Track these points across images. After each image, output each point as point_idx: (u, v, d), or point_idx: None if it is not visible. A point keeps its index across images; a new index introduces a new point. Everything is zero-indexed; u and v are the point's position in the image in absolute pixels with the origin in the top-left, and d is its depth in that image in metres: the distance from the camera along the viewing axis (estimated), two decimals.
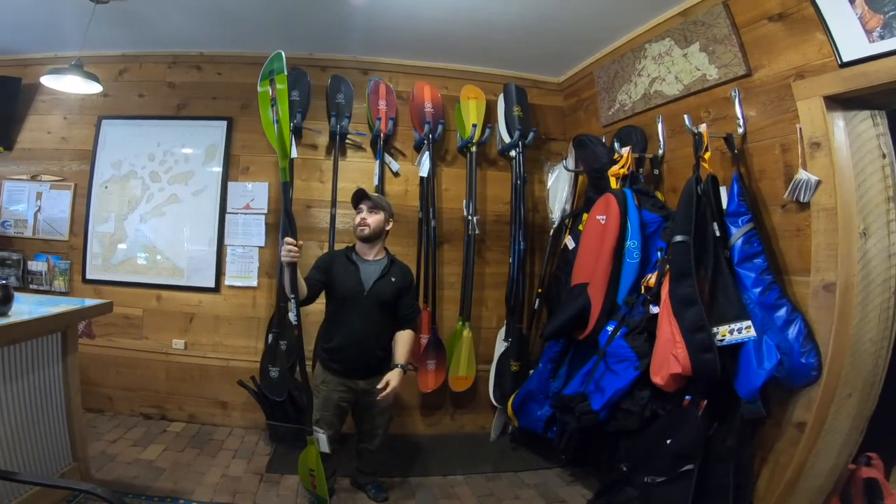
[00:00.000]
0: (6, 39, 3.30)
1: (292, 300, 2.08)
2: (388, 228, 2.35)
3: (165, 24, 3.06)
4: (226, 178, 3.40)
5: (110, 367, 3.37)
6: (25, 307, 2.03)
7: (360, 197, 2.29)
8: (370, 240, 2.29)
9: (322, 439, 2.19)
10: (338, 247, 3.27)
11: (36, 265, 3.41)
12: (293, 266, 2.03)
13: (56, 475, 2.07)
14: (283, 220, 2.17)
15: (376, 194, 2.32)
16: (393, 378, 2.18)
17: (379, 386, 2.17)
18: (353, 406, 2.35)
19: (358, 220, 2.28)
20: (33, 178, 3.48)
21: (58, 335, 2.15)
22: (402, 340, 2.29)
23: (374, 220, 2.26)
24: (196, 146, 3.45)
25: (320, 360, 2.34)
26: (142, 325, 3.40)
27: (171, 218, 3.42)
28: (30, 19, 3.00)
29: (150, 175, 3.43)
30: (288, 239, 1.99)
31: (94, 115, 3.48)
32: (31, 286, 3.39)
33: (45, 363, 2.08)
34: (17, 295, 2.01)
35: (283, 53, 2.00)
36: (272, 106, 1.98)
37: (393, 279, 2.27)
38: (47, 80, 2.82)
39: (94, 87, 2.93)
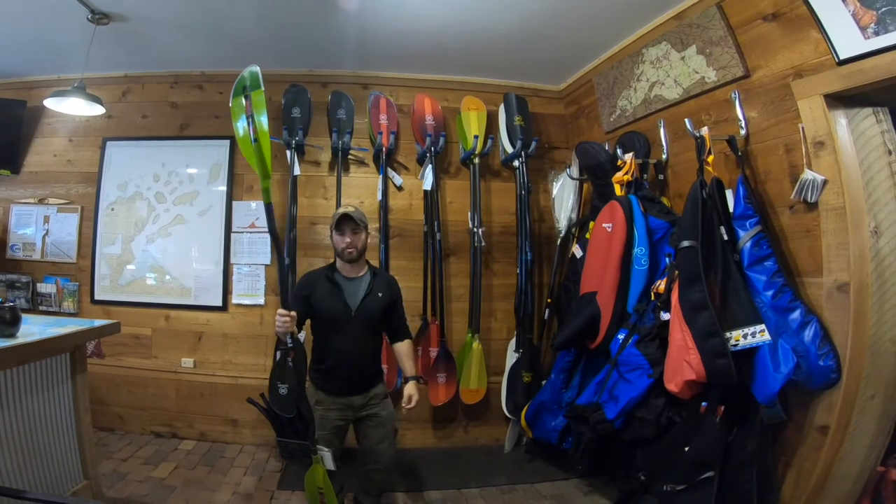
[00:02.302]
0: (10, 62, 3.35)
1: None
2: (368, 243, 2.27)
3: (165, 43, 3.10)
4: (230, 197, 3.41)
5: (121, 386, 3.39)
6: (34, 328, 2.05)
7: (344, 221, 2.16)
8: (356, 259, 2.19)
9: (327, 457, 2.15)
10: None
11: (45, 287, 3.44)
12: (290, 336, 1.93)
13: (67, 493, 2.07)
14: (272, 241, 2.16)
15: (356, 210, 2.20)
16: (413, 391, 2.19)
17: (403, 404, 2.17)
18: (362, 422, 2.29)
19: (344, 244, 2.16)
20: (40, 201, 3.51)
21: (66, 355, 2.16)
22: (406, 353, 2.27)
23: (361, 241, 2.17)
24: (200, 166, 3.47)
25: (312, 380, 2.23)
26: (151, 344, 3.41)
27: (177, 238, 3.43)
28: (32, 41, 3.04)
29: (155, 196, 3.46)
30: (280, 311, 1.88)
31: (98, 137, 3.52)
32: (41, 308, 3.42)
33: (55, 383, 2.08)
34: (25, 316, 2.03)
35: (257, 69, 1.82)
36: (249, 123, 1.81)
37: (380, 294, 2.21)
38: (51, 103, 2.85)
39: (98, 109, 2.96)
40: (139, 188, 3.46)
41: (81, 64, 2.92)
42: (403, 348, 2.28)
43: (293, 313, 1.92)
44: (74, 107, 2.93)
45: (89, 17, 2.66)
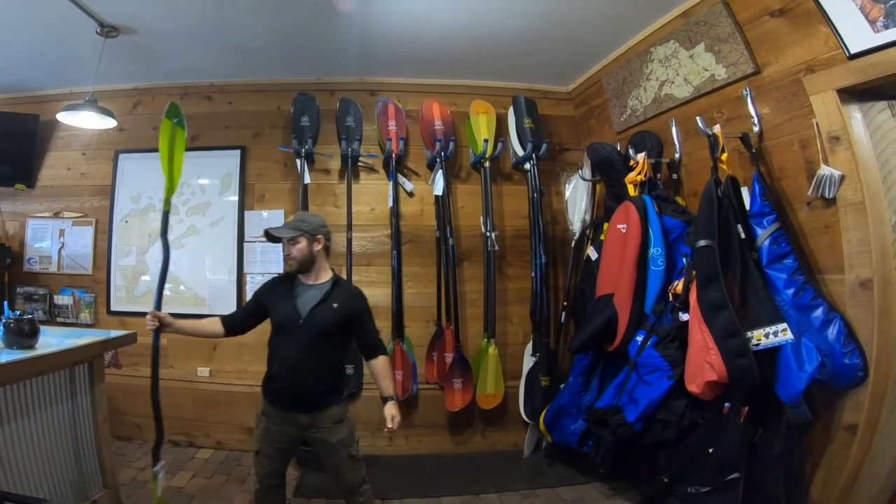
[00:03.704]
0: (21, 76, 3.40)
1: None
2: (318, 248, 2.08)
3: (174, 55, 3.13)
4: (242, 207, 3.43)
5: (138, 395, 3.38)
6: (52, 340, 2.08)
7: (270, 237, 2.11)
8: (304, 269, 2.08)
9: (160, 477, 2.09)
10: (356, 270, 3.31)
11: (62, 299, 3.48)
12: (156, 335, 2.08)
13: (87, 503, 2.10)
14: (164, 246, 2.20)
15: (290, 219, 2.13)
16: (394, 412, 2.03)
17: (387, 424, 2.01)
18: (311, 443, 2.10)
19: (284, 256, 2.13)
20: (56, 215, 3.55)
21: (84, 366, 2.19)
22: (382, 373, 2.09)
23: (297, 250, 2.05)
24: (212, 176, 3.50)
25: (262, 389, 2.12)
26: (167, 354, 3.42)
27: (190, 249, 3.46)
28: (43, 56, 3.08)
29: None
30: (152, 311, 2.02)
31: (111, 150, 3.56)
32: (58, 319, 3.46)
33: (73, 393, 2.11)
34: (44, 328, 2.06)
35: (178, 105, 2.21)
36: (170, 145, 2.11)
37: (335, 305, 2.03)
38: (63, 117, 2.89)
39: (109, 122, 2.99)
40: (152, 200, 3.50)
41: (92, 77, 2.97)
42: (378, 366, 2.10)
43: (163, 316, 2.01)
44: (86, 120, 2.97)
45: (98, 30, 2.69)
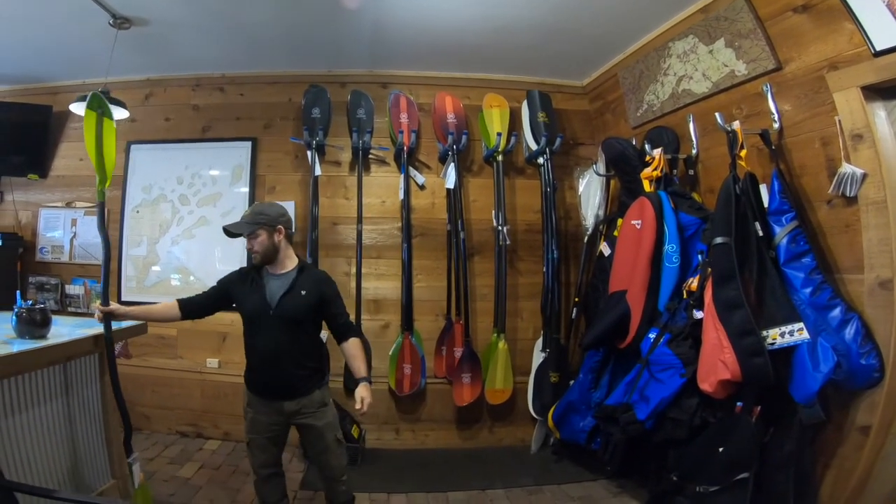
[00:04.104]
0: (35, 68, 3.41)
1: None
2: (280, 238, 2.07)
3: (186, 46, 3.13)
4: (253, 199, 3.43)
5: (147, 386, 3.43)
6: (64, 329, 2.08)
7: (229, 234, 2.10)
8: (269, 261, 2.07)
9: (135, 469, 2.08)
10: (365, 263, 3.31)
11: (73, 289, 3.50)
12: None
13: (95, 493, 2.09)
14: (103, 238, 2.12)
15: (247, 212, 2.12)
16: (365, 393, 2.01)
17: (357, 406, 1.99)
18: (299, 429, 2.15)
19: (247, 251, 2.12)
20: (68, 205, 3.57)
21: (95, 356, 2.19)
22: (353, 354, 2.10)
23: (258, 243, 2.04)
24: (223, 168, 3.50)
25: (245, 381, 2.15)
26: (176, 344, 3.45)
27: (201, 240, 3.46)
28: (56, 47, 3.09)
29: (179, 198, 3.50)
30: (99, 308, 2.00)
31: (123, 141, 3.53)
32: (70, 309, 3.49)
33: (83, 383, 2.11)
34: (55, 318, 2.06)
35: (100, 95, 2.02)
36: (97, 136, 2.00)
37: (303, 292, 2.04)
38: (76, 108, 2.91)
39: (121, 113, 3.00)
40: (163, 190, 3.51)
41: (105, 68, 2.97)
42: (349, 348, 2.11)
43: (109, 308, 1.99)
44: None
45: (111, 21, 2.70)
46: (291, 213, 3.33)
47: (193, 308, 2.13)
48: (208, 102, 3.56)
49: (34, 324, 1.93)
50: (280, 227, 2.06)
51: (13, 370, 1.73)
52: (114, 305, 2.03)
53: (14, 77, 3.55)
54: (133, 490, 2.13)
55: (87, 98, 2.01)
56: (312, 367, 2.10)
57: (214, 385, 3.39)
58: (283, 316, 2.01)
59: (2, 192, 3.64)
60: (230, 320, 3.38)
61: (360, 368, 2.08)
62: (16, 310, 1.92)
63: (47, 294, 3.47)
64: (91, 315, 3.36)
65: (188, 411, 3.40)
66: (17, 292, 2.24)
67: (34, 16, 2.70)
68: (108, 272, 2.11)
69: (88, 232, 3.53)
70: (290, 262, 2.11)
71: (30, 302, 1.99)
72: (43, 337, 1.93)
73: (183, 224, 3.48)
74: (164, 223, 3.49)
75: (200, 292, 2.18)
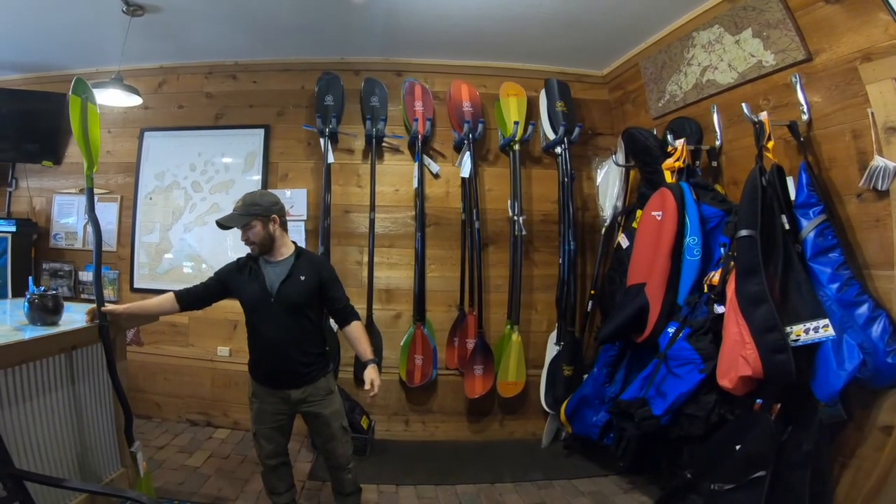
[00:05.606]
0: (49, 55, 3.41)
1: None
2: (275, 227, 2.04)
3: (200, 34, 3.11)
4: (265, 186, 3.41)
5: (158, 374, 3.44)
6: (76, 316, 2.07)
7: (222, 227, 2.06)
8: (266, 250, 2.05)
9: (139, 457, 2.08)
10: (377, 251, 3.28)
11: (86, 276, 3.52)
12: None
13: (104, 482, 2.09)
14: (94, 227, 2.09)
15: (239, 203, 2.07)
16: (374, 375, 2.00)
17: (366, 388, 1.99)
18: (305, 418, 2.14)
19: (243, 242, 2.09)
20: (81, 191, 3.57)
21: None
22: (356, 337, 2.09)
23: (254, 234, 2.01)
24: (235, 155, 3.48)
25: (249, 371, 2.15)
26: (188, 332, 3.45)
27: (213, 227, 3.37)
28: (70, 35, 3.08)
29: (192, 185, 3.49)
30: (89, 310, 2.00)
31: (136, 128, 3.56)
32: (83, 296, 3.50)
33: (95, 371, 2.11)
34: (68, 304, 2.06)
35: (83, 80, 2.03)
36: (82, 120, 2.00)
37: (302, 277, 2.02)
38: None
39: (135, 100, 3.00)
40: (176, 177, 3.50)
41: (118, 56, 2.97)
42: (353, 331, 2.09)
43: (106, 309, 2.00)
44: (112, 98, 2.98)
45: (124, 9, 2.68)
46: (304, 200, 3.38)
47: (191, 300, 2.12)
48: (221, 90, 3.54)
49: (46, 310, 1.92)
50: (274, 216, 2.04)
51: (24, 357, 1.71)
52: (109, 307, 2.02)
53: (29, 65, 3.55)
54: (139, 479, 2.15)
55: (73, 83, 1.99)
56: (316, 354, 2.08)
57: (225, 373, 3.39)
58: (284, 303, 1.99)
59: (16, 179, 3.64)
60: (241, 309, 3.39)
61: (365, 351, 2.07)
62: (28, 296, 1.91)
63: (61, 280, 3.49)
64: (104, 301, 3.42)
65: (198, 399, 3.41)
66: (30, 278, 2.23)
67: (49, 4, 2.69)
68: (100, 260, 2.09)
69: (102, 219, 3.44)
70: (286, 248, 2.09)
71: (42, 288, 1.98)
72: (55, 324, 1.93)
73: (196, 211, 3.48)
74: (176, 210, 3.49)
75: (198, 283, 2.17)
